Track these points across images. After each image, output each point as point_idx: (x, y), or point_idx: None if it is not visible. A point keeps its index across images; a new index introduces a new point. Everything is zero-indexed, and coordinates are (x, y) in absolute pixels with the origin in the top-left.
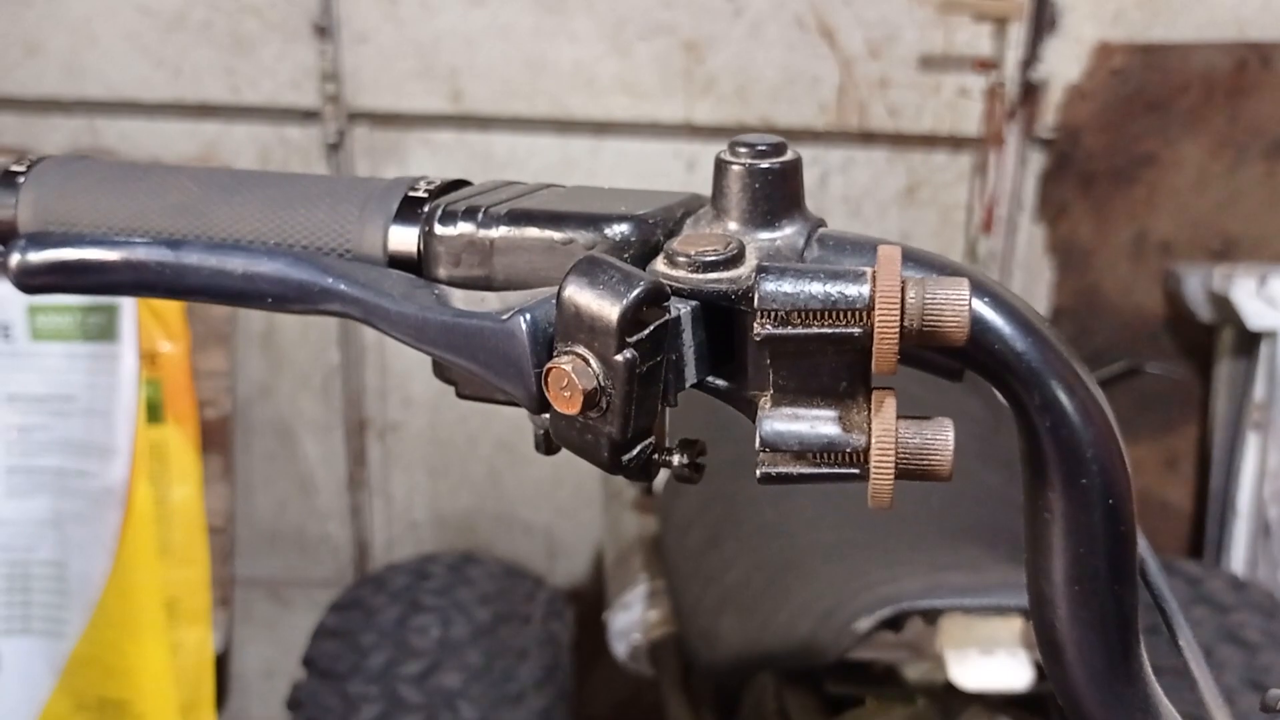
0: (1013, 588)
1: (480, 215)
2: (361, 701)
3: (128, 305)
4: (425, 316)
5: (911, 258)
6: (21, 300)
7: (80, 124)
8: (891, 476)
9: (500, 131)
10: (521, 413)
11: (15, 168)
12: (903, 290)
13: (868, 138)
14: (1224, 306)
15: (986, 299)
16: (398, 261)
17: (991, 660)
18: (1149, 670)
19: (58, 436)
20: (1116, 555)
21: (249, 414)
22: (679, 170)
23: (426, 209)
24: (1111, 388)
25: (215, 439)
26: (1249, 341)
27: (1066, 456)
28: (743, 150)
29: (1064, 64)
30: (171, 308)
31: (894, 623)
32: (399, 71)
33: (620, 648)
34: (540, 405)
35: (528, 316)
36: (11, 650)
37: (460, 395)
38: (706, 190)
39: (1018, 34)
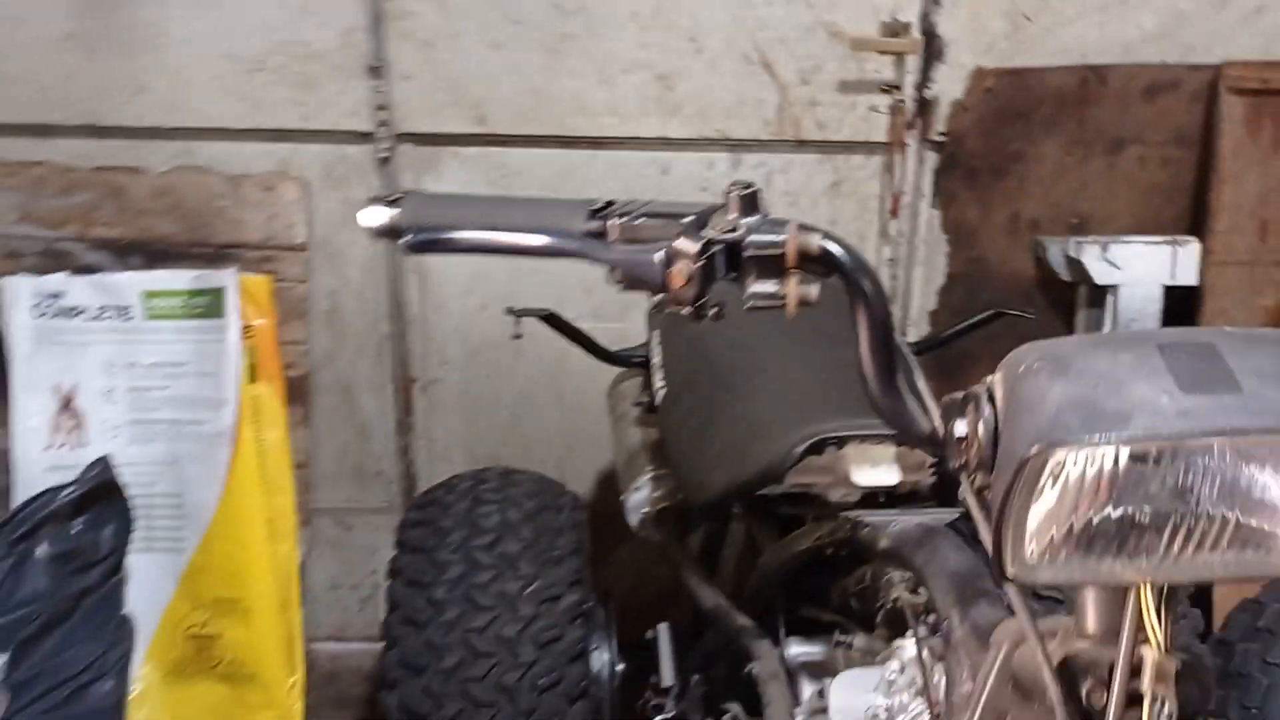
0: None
1: (636, 213)
2: (447, 565)
3: (231, 290)
4: (617, 256)
5: (806, 228)
6: (137, 288)
7: (178, 146)
8: (796, 305)
9: (516, 147)
10: (535, 374)
11: (393, 198)
12: (795, 238)
13: (801, 144)
14: (1078, 268)
15: (835, 244)
16: (590, 234)
17: (876, 468)
18: (901, 381)
19: (172, 394)
20: (884, 336)
21: (318, 375)
22: (655, 174)
23: (605, 211)
24: (982, 330)
25: (296, 394)
26: (1099, 294)
27: (862, 299)
28: (736, 186)
29: (949, 85)
30: (263, 293)
31: (817, 449)
32: (435, 101)
33: (634, 519)
34: (663, 287)
35: (660, 254)
36: (139, 564)
37: (622, 289)
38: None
39: (913, 63)
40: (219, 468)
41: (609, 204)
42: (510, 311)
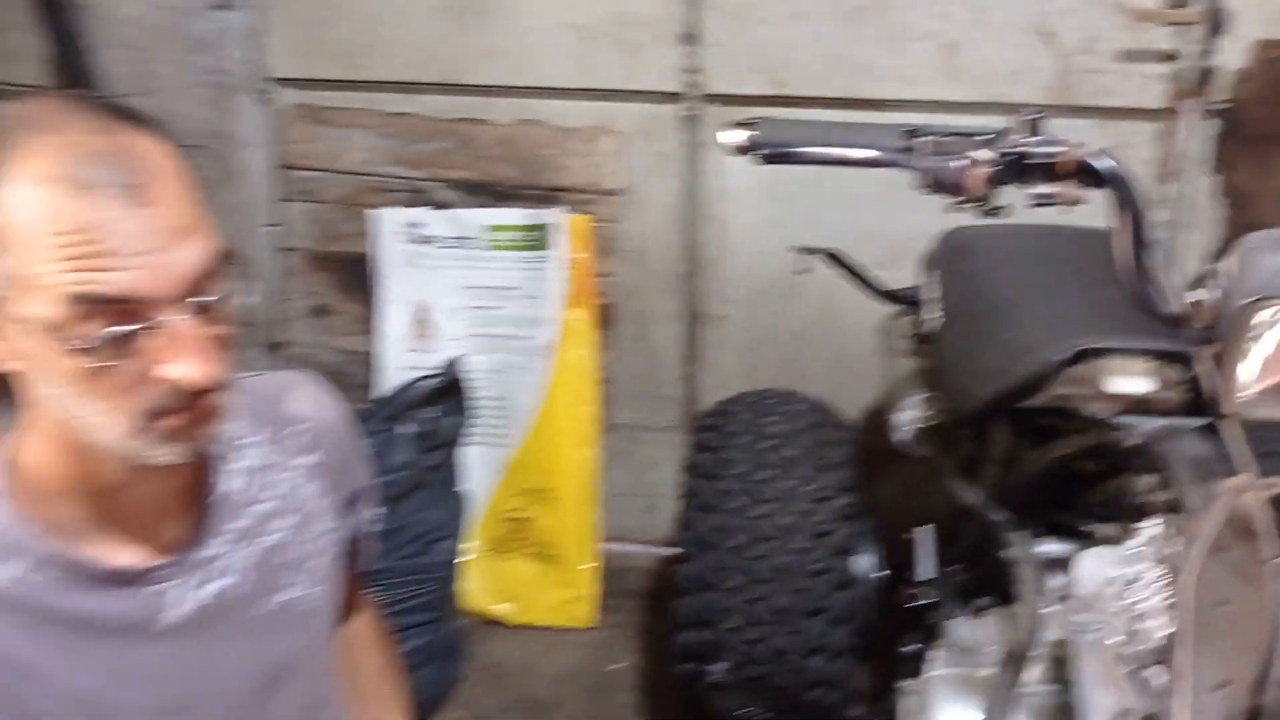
0: (1144, 338)
1: (942, 132)
2: (735, 463)
3: (559, 227)
4: (926, 165)
5: (1079, 145)
6: (481, 222)
7: (518, 103)
8: (1072, 205)
9: (808, 108)
10: (812, 313)
11: (749, 122)
12: (1071, 151)
13: (1078, 110)
14: None
15: (1104, 157)
16: (904, 149)
17: (1130, 378)
18: (1152, 266)
19: (504, 314)
20: (1139, 234)
21: (621, 306)
22: None
23: (917, 131)
24: None
25: (603, 320)
26: None
27: (1123, 202)
28: (1026, 111)
29: (1231, 55)
30: (583, 231)
31: (1077, 359)
32: (739, 66)
33: (901, 435)
34: (961, 189)
35: (961, 162)
36: (469, 456)
37: (928, 193)
38: None
39: (1195, 33)
40: (540, 378)
41: (919, 126)
42: (797, 249)
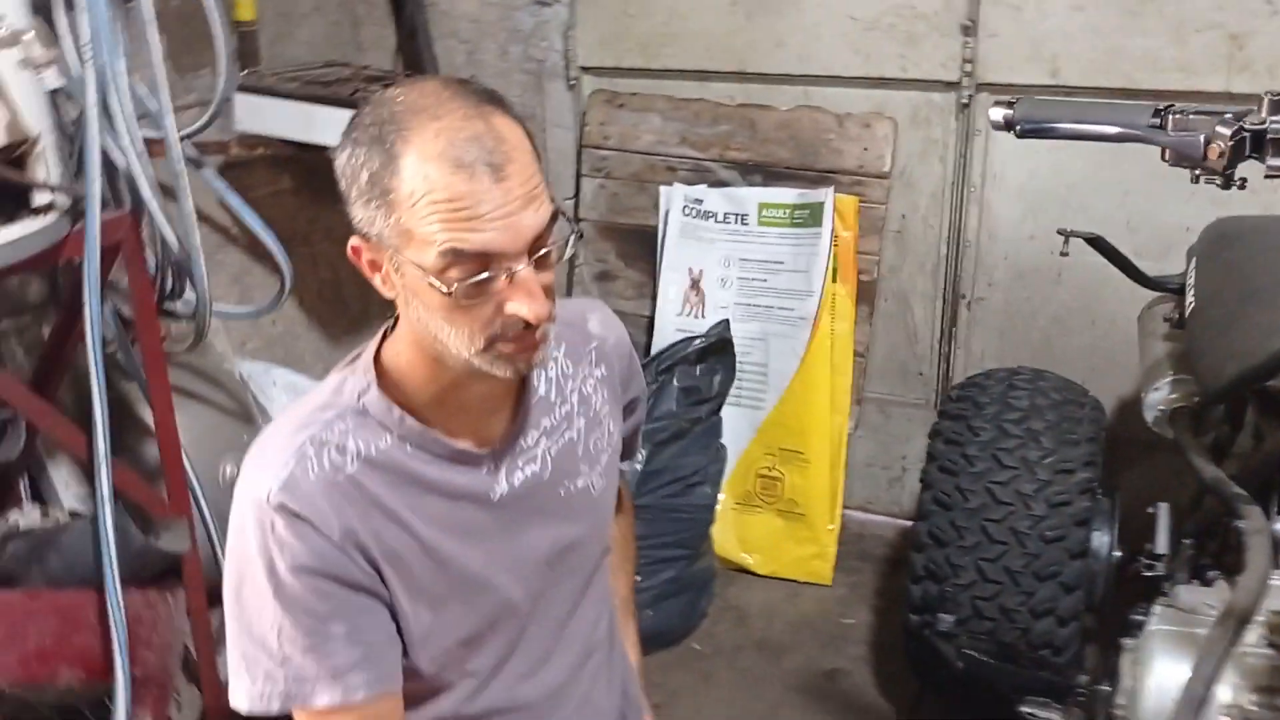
0: None
1: (1189, 110)
2: (980, 431)
3: (828, 206)
4: (1170, 139)
5: None
6: (755, 200)
7: (799, 90)
8: None
9: (1082, 97)
10: (1071, 299)
11: (1010, 101)
12: None
13: None
14: None
15: None
16: (1152, 126)
17: None
18: None
19: (770, 285)
20: None
21: (882, 284)
22: None
23: (1165, 110)
24: None
25: (863, 296)
26: None
27: None
28: (1271, 93)
29: None
30: (850, 211)
31: None
32: (1015, 56)
33: (1150, 415)
34: (1202, 161)
35: (1201, 136)
36: (728, 415)
37: (1171, 165)
38: None
39: None
40: (799, 347)
41: (1169, 105)
42: (1061, 232)
